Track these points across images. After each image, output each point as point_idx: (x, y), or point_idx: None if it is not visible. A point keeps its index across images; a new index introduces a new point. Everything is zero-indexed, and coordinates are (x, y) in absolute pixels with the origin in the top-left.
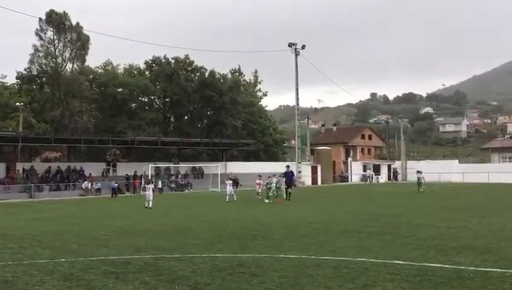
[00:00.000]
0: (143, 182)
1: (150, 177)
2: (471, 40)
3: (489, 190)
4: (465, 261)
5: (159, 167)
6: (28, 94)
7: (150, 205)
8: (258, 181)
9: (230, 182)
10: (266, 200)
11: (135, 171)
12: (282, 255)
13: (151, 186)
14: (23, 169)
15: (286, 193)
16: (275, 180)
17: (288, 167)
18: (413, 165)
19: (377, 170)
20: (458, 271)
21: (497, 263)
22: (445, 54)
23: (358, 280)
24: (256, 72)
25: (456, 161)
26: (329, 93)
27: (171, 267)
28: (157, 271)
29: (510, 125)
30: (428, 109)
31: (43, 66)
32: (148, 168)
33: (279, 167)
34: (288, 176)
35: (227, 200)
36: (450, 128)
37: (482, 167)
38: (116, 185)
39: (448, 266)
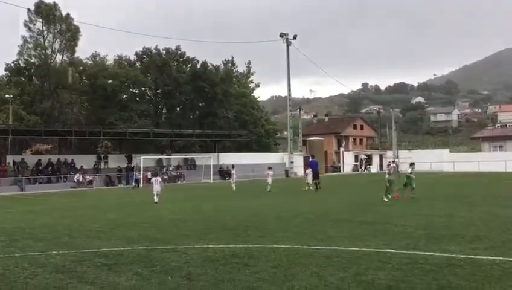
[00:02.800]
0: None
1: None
2: (462, 30)
3: (479, 178)
4: (455, 249)
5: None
6: (18, 86)
7: (156, 200)
8: (306, 172)
9: (271, 172)
10: (385, 198)
11: (127, 163)
12: (275, 245)
13: (159, 179)
14: (14, 162)
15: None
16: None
17: (313, 156)
18: (405, 155)
19: (368, 160)
20: (449, 259)
21: (487, 251)
22: (436, 43)
23: (350, 269)
24: (249, 63)
25: (447, 150)
26: (321, 84)
27: (164, 258)
28: (150, 262)
29: (500, 114)
30: (420, 99)
31: (32, 58)
32: (140, 160)
33: (272, 158)
34: (313, 166)
35: (268, 189)
36: (441, 117)
37: (472, 156)
38: (139, 177)
39: (438, 254)
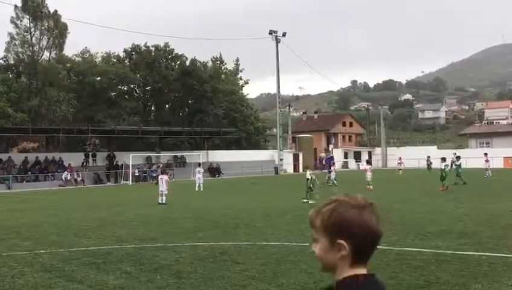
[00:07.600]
0: (158, 171)
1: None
2: (450, 28)
3: (466, 175)
4: (443, 245)
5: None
6: (5, 83)
7: (164, 201)
8: (366, 167)
9: (333, 168)
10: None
11: (116, 161)
12: (265, 243)
13: (166, 177)
14: (0, 160)
15: None
16: None
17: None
18: (393, 152)
19: (357, 156)
20: (436, 255)
21: (474, 247)
22: (424, 41)
23: None
24: (237, 60)
25: (435, 147)
26: (311, 81)
27: (153, 256)
28: (139, 261)
29: (487, 111)
30: (408, 96)
31: (20, 55)
32: (129, 158)
33: (261, 155)
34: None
35: (336, 184)
36: (429, 114)
37: (460, 153)
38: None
39: (426, 250)
